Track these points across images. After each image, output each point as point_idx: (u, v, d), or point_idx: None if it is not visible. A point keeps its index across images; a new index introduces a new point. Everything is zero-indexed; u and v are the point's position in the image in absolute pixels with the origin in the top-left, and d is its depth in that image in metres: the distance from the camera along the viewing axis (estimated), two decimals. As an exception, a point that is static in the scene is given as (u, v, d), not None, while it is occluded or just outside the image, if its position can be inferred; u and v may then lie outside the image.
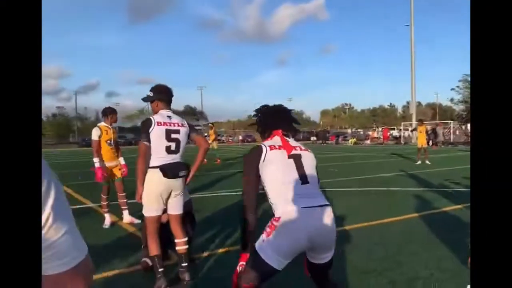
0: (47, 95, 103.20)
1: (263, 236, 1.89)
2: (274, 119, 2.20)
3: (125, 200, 5.23)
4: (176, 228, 3.17)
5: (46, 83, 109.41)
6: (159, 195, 3.04)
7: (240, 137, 55.64)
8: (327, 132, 46.33)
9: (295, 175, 1.92)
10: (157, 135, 3.04)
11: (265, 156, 1.97)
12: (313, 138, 46.41)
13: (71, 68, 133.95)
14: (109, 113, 5.15)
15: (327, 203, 1.94)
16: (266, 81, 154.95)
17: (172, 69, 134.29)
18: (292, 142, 2.12)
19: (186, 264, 3.15)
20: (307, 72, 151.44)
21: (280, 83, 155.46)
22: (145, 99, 3.26)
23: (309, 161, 2.03)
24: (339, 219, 5.11)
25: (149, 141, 3.04)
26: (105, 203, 5.11)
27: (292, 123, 2.24)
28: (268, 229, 1.88)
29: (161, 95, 3.21)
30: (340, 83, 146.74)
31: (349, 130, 60.68)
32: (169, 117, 3.16)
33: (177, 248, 3.19)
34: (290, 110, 2.30)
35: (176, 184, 3.08)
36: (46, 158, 4.09)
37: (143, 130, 3.05)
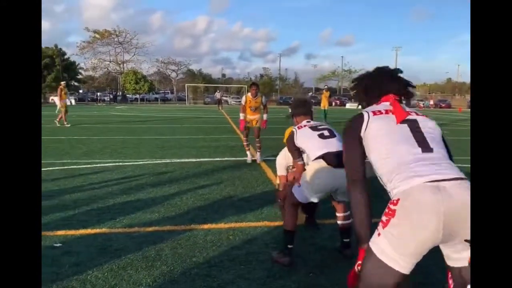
0: (256, 57, 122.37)
1: (379, 229, 1.39)
2: (384, 81, 1.75)
3: (259, 145, 7.33)
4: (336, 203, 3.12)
5: (256, 46, 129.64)
6: (322, 186, 2.86)
7: (431, 102, 48.53)
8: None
9: (411, 141, 1.47)
10: (304, 137, 3.00)
11: (367, 124, 1.55)
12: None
13: (277, 31, 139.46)
14: (248, 87, 8.20)
15: (464, 176, 1.40)
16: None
17: (369, 30, 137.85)
18: (406, 107, 1.71)
19: (347, 240, 3.06)
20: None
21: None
22: (288, 116, 3.49)
23: (429, 128, 1.56)
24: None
25: (302, 158, 3.01)
26: (245, 143, 7.52)
27: (406, 85, 1.77)
28: (384, 218, 1.38)
29: (297, 109, 3.38)
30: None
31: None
32: (308, 121, 3.24)
33: (338, 221, 3.14)
34: (400, 70, 1.84)
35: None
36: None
37: (293, 146, 3.02)
